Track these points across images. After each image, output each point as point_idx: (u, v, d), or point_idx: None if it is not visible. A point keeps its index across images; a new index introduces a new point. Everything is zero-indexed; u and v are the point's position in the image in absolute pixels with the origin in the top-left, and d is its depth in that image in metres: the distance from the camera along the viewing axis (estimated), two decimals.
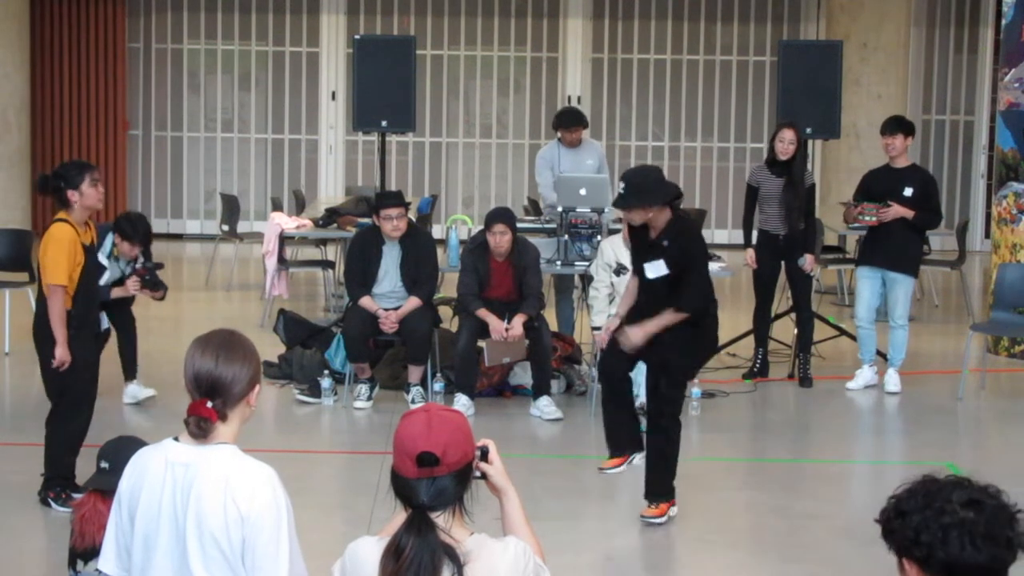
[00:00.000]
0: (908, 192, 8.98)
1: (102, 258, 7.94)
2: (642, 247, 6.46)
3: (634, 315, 6.52)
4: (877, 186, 9.11)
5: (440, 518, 2.90)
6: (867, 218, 9.02)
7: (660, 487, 6.53)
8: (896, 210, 8.92)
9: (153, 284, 8.09)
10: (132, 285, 8.02)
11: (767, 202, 9.27)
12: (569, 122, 10.00)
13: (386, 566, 2.88)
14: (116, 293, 8.04)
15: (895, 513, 2.57)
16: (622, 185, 6.28)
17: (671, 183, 6.47)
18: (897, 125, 9.12)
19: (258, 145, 17.39)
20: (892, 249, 9.03)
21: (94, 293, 6.60)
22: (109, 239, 8.09)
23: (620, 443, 6.67)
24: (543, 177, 9.99)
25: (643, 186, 6.28)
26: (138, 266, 8.12)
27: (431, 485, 2.90)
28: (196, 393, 3.17)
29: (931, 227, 9.35)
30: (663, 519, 6.50)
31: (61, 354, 6.33)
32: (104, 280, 7.95)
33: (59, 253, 6.31)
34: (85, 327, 6.47)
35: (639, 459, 6.66)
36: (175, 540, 3.14)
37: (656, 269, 6.36)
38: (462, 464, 2.95)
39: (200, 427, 3.15)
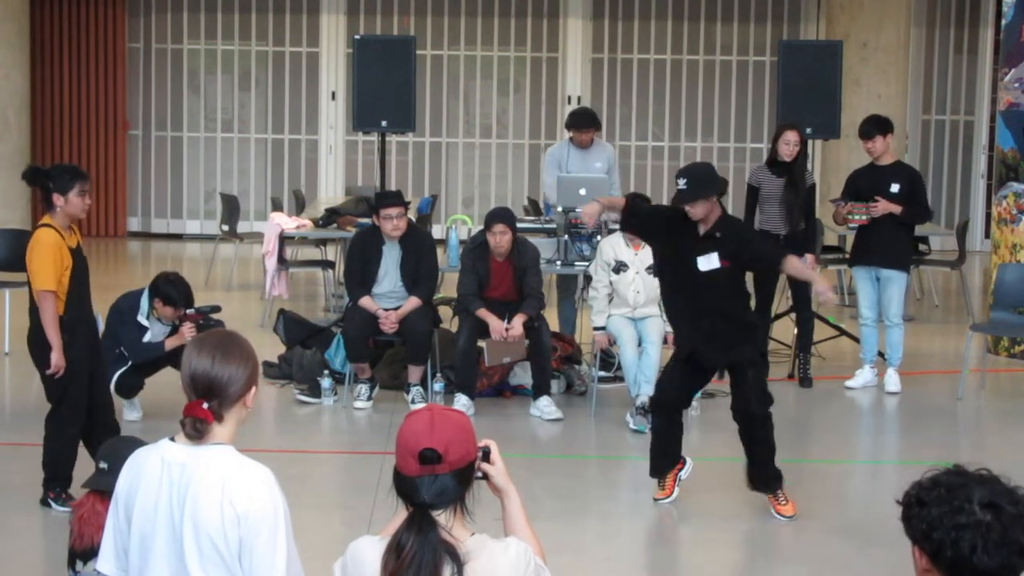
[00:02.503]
0: (895, 189, 9.01)
1: (142, 319, 7.90)
2: (690, 242, 6.43)
3: (680, 317, 6.60)
4: (864, 185, 9.13)
5: (441, 517, 2.90)
6: (857, 217, 9.05)
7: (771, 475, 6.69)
8: (884, 205, 8.95)
9: (209, 328, 7.90)
10: (188, 332, 7.78)
11: (768, 202, 9.27)
12: (580, 123, 9.89)
13: (387, 563, 2.88)
14: (171, 343, 7.79)
15: (915, 500, 2.53)
16: (683, 181, 6.33)
17: (721, 176, 6.65)
18: (876, 127, 9.10)
19: (258, 145, 17.39)
20: (882, 247, 9.05)
21: (86, 297, 6.53)
22: (145, 300, 7.90)
23: (664, 470, 6.78)
24: (550, 176, 9.90)
25: (703, 178, 6.38)
26: (190, 311, 7.85)
27: (432, 483, 2.90)
28: (193, 393, 3.17)
29: (920, 222, 9.36)
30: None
31: (56, 360, 6.29)
32: (148, 338, 7.89)
33: (45, 258, 6.28)
34: (79, 331, 6.44)
35: (684, 473, 6.78)
36: (172, 540, 3.13)
37: (709, 262, 6.38)
38: (464, 463, 2.95)
39: (196, 428, 3.15)
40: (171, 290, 7.83)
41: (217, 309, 8.14)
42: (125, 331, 7.89)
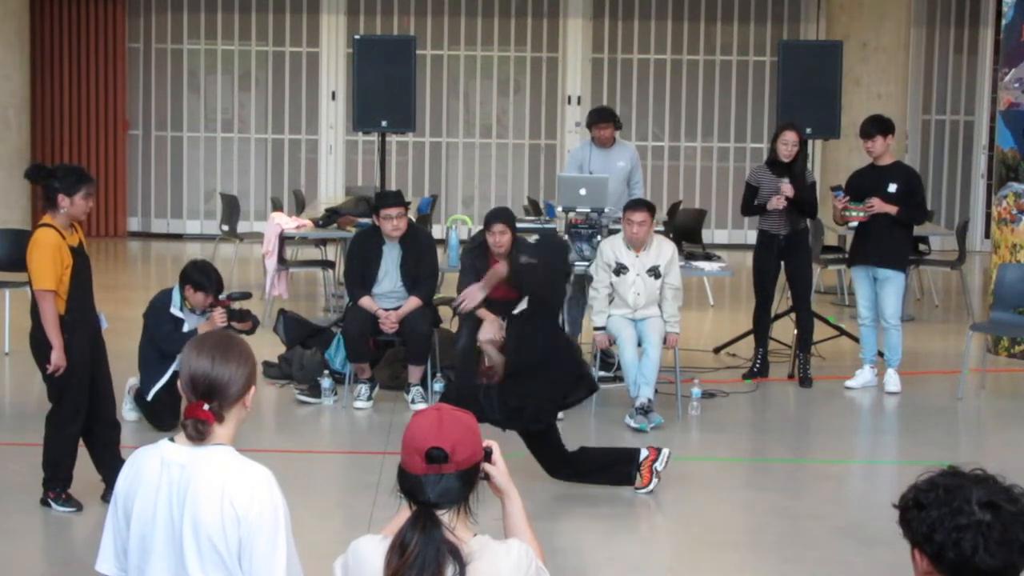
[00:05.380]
0: (892, 188, 9.02)
1: (175, 311, 7.87)
2: None
3: None
4: (862, 185, 9.14)
5: (445, 516, 2.91)
6: (854, 214, 9.06)
7: None
8: (879, 205, 8.96)
9: (241, 315, 7.84)
10: (219, 318, 7.71)
11: (767, 202, 9.27)
12: (597, 118, 9.80)
13: (390, 561, 2.88)
14: (203, 329, 7.70)
15: (913, 503, 2.52)
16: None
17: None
18: (876, 127, 9.10)
19: (258, 145, 17.40)
20: (880, 247, 9.05)
21: (88, 296, 6.51)
22: (177, 292, 7.88)
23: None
24: None
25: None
26: (221, 297, 7.81)
27: (438, 482, 2.90)
28: (192, 395, 3.17)
29: (917, 222, 9.37)
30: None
31: (56, 359, 6.27)
32: (186, 329, 7.83)
33: (44, 258, 6.26)
34: (79, 330, 6.43)
35: (660, 464, 6.94)
36: (171, 541, 3.13)
37: None
38: (470, 464, 2.95)
39: (198, 429, 3.15)
40: (199, 276, 7.83)
41: (247, 296, 8.14)
42: (158, 325, 7.85)
